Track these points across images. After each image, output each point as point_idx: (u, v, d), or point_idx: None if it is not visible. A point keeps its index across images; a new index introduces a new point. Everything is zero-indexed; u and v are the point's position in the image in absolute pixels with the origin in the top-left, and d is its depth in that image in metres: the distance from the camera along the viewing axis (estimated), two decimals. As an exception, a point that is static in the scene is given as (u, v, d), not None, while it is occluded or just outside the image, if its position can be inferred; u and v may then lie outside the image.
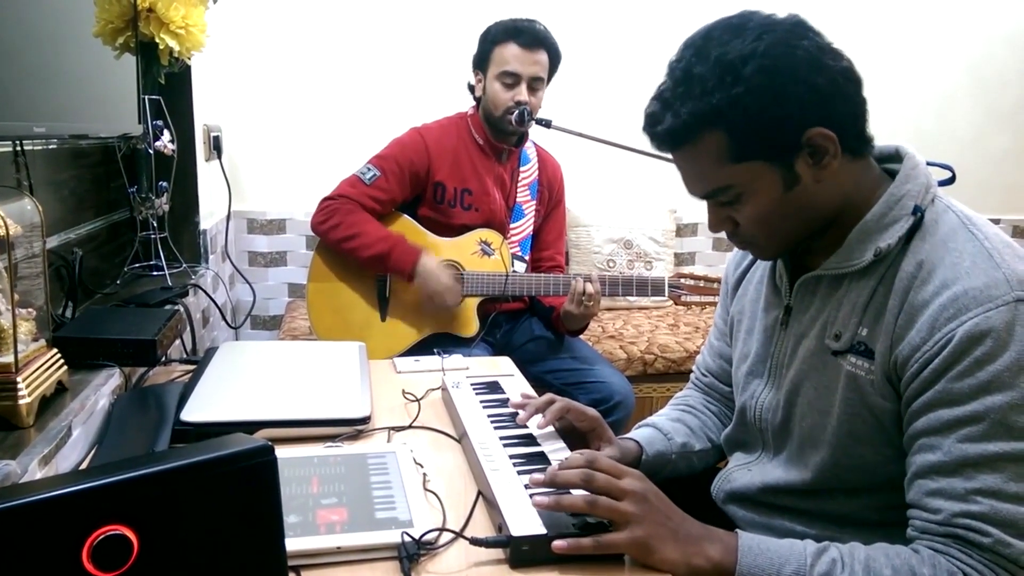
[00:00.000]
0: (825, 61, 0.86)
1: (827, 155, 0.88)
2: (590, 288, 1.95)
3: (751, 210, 0.91)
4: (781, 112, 0.85)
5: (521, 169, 2.22)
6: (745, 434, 1.13)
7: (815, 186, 0.90)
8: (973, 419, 0.80)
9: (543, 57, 2.06)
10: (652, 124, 0.91)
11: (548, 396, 1.15)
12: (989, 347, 0.80)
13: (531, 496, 0.88)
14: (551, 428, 1.13)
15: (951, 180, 0.97)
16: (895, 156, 0.97)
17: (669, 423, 1.20)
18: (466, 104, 2.22)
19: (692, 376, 1.30)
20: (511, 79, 2.04)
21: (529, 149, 2.25)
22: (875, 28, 3.14)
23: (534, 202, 2.23)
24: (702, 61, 0.86)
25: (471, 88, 2.19)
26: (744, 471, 1.10)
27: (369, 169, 2.07)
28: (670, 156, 0.94)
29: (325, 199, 2.05)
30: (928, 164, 0.95)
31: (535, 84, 2.07)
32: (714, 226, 0.97)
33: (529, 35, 2.04)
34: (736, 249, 1.18)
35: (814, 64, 0.85)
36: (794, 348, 1.00)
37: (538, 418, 1.12)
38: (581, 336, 2.24)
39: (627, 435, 1.18)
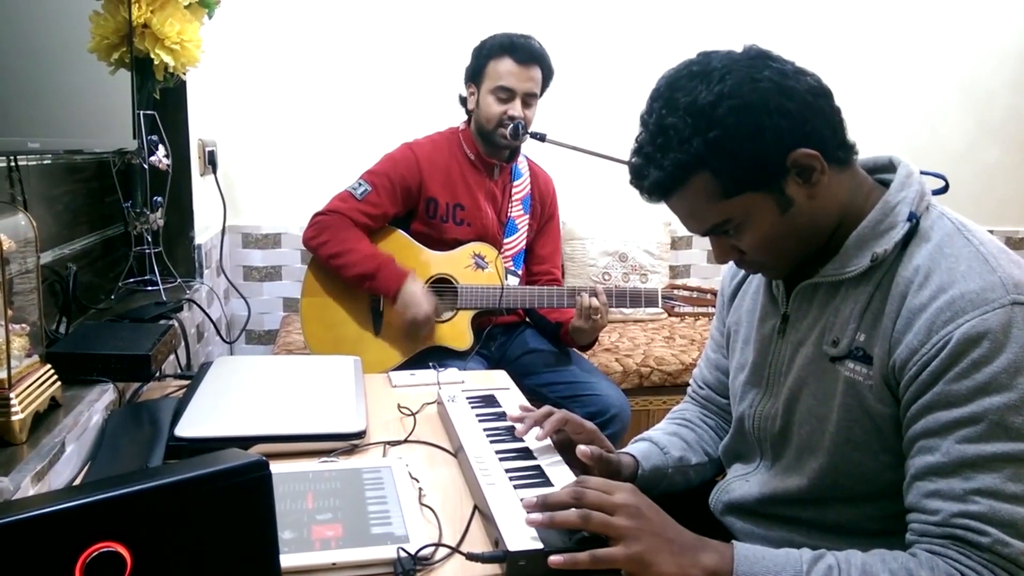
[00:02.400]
0: (790, 85, 0.88)
1: (815, 172, 0.89)
2: (595, 302, 1.95)
3: (752, 238, 0.93)
4: (760, 145, 0.87)
5: (514, 184, 2.23)
6: (743, 444, 1.13)
7: (810, 203, 0.91)
8: (971, 420, 0.81)
9: (537, 73, 2.08)
10: (639, 178, 0.94)
11: (546, 408, 1.15)
12: (986, 349, 0.80)
13: (526, 514, 0.88)
14: (548, 441, 1.12)
15: (944, 189, 0.98)
16: (888, 166, 0.98)
17: (665, 437, 1.20)
18: (458, 119, 2.23)
19: (689, 389, 1.30)
20: (505, 94, 2.06)
21: (521, 164, 2.25)
22: (867, 43, 3.17)
23: (527, 216, 2.24)
24: (672, 111, 0.88)
25: (463, 101, 2.20)
26: (742, 481, 1.10)
27: (360, 184, 2.07)
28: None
29: (317, 214, 2.06)
30: (921, 173, 0.96)
31: (528, 99, 2.08)
32: (720, 258, 0.99)
33: (525, 51, 2.05)
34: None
35: (781, 91, 0.87)
36: (791, 356, 1.01)
37: (536, 431, 1.12)
38: (579, 351, 2.24)
39: (623, 450, 1.18)
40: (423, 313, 1.98)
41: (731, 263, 1.19)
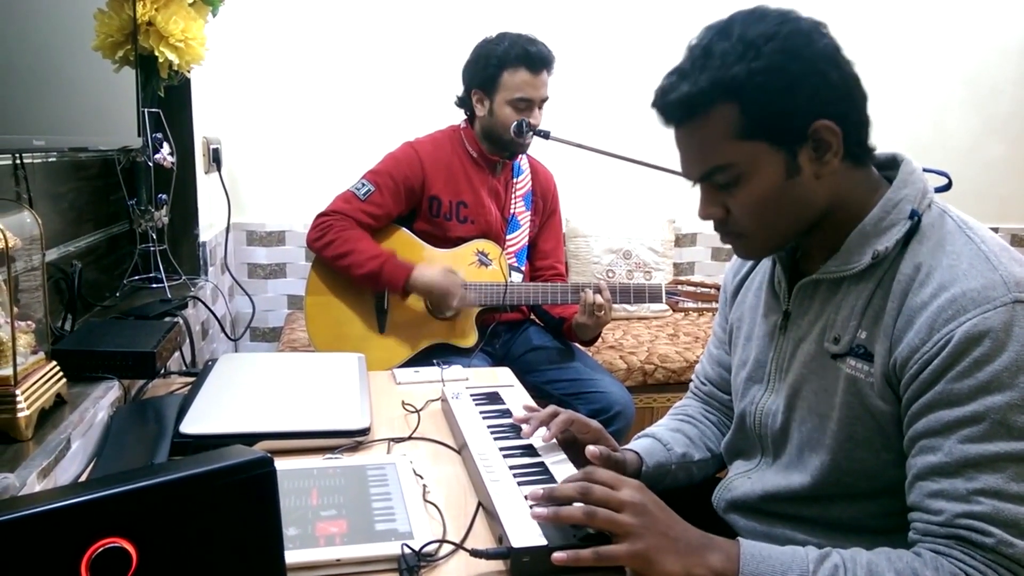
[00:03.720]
0: (841, 60, 0.89)
1: (829, 151, 0.89)
2: (599, 299, 1.95)
3: (747, 195, 0.91)
4: (794, 96, 0.86)
5: (515, 180, 2.23)
6: (744, 441, 1.13)
7: (813, 182, 0.90)
8: (973, 419, 0.80)
9: (547, 77, 2.09)
10: (665, 94, 0.91)
11: (551, 408, 1.15)
12: (988, 347, 0.80)
13: (531, 508, 0.88)
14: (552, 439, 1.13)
15: (947, 187, 0.97)
16: (892, 163, 0.98)
17: (668, 433, 1.20)
18: (460, 116, 2.22)
19: (691, 385, 1.30)
20: (524, 104, 2.05)
21: (522, 160, 2.25)
22: (871, 39, 3.16)
23: (529, 212, 2.24)
24: (724, 38, 0.87)
25: (462, 103, 2.18)
26: (744, 479, 1.10)
27: (363, 184, 2.07)
28: (674, 132, 0.93)
29: (320, 215, 2.06)
30: (924, 170, 0.96)
31: (542, 104, 2.10)
32: (704, 211, 0.96)
33: (538, 60, 2.04)
34: (734, 257, 1.19)
35: (830, 59, 0.88)
36: (793, 352, 1.01)
37: (543, 431, 1.12)
38: (581, 345, 2.24)
39: (627, 446, 1.18)
40: (450, 283, 1.98)
41: (732, 262, 1.20)
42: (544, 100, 2.09)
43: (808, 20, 0.89)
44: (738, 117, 0.87)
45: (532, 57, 2.04)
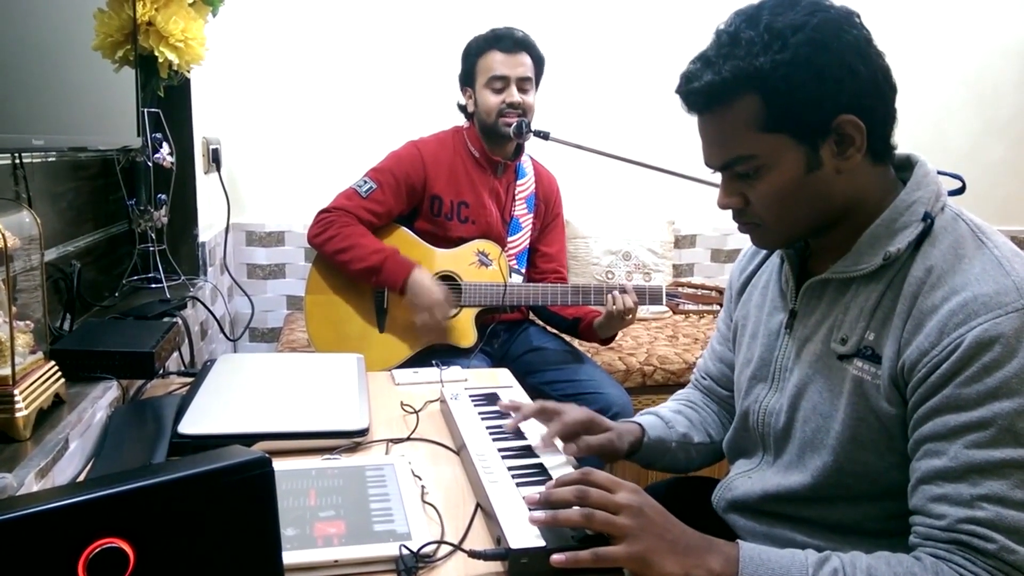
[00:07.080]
0: (870, 53, 0.88)
1: (852, 146, 0.88)
2: (629, 301, 1.95)
3: (767, 187, 0.91)
4: (819, 89, 0.85)
5: (518, 183, 2.23)
6: (746, 439, 1.12)
7: (834, 176, 0.90)
8: (980, 425, 0.80)
9: (526, 59, 2.10)
10: (688, 81, 0.91)
11: (539, 404, 1.15)
12: (998, 353, 0.80)
13: (529, 511, 0.88)
14: (549, 439, 1.12)
15: (961, 190, 0.97)
16: (906, 163, 0.97)
17: (670, 413, 1.22)
18: (462, 117, 2.23)
19: (693, 378, 1.31)
20: (500, 83, 2.08)
21: (525, 163, 2.26)
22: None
23: (531, 215, 2.24)
24: (752, 26, 0.87)
25: (462, 108, 2.21)
26: (744, 479, 1.09)
27: (366, 182, 2.08)
28: (697, 120, 0.94)
29: (321, 211, 2.06)
30: (939, 173, 0.95)
31: (524, 85, 2.10)
32: (724, 200, 0.96)
33: (508, 40, 2.09)
34: (741, 254, 1.19)
35: (860, 52, 0.87)
36: (798, 352, 1.00)
37: (540, 429, 1.13)
38: (580, 347, 2.24)
39: (630, 419, 1.19)
40: (435, 300, 1.98)
41: (739, 259, 1.20)
42: (523, 79, 2.09)
43: (840, 9, 0.88)
44: (761, 109, 0.87)
45: (501, 37, 2.08)
